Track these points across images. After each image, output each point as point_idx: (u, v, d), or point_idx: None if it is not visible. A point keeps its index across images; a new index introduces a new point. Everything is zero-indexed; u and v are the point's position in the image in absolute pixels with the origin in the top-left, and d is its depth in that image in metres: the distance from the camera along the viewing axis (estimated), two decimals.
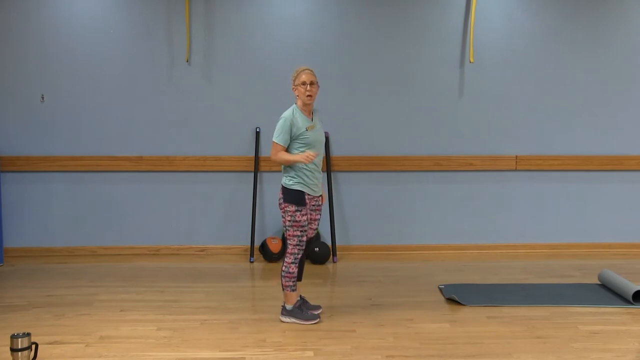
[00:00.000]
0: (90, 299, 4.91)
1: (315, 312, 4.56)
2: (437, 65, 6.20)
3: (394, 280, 5.48)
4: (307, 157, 4.21)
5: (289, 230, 4.39)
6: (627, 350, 4.06)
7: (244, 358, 3.91)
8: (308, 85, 4.30)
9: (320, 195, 4.52)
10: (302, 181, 4.34)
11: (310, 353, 3.98)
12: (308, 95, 4.30)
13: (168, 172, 6.15)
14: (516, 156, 6.32)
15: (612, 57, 6.29)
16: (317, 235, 6.16)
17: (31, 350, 3.55)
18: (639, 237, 6.50)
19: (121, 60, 6.02)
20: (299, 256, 4.43)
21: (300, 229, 4.37)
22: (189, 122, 6.11)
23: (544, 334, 4.29)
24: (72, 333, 4.25)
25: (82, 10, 5.96)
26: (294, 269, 4.43)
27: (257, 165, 6.13)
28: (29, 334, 3.55)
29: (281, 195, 4.39)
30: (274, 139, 4.32)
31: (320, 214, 4.57)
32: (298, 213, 4.34)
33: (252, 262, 6.03)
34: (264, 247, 6.05)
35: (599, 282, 5.36)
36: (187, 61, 6.04)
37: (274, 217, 6.23)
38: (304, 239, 4.42)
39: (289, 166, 4.36)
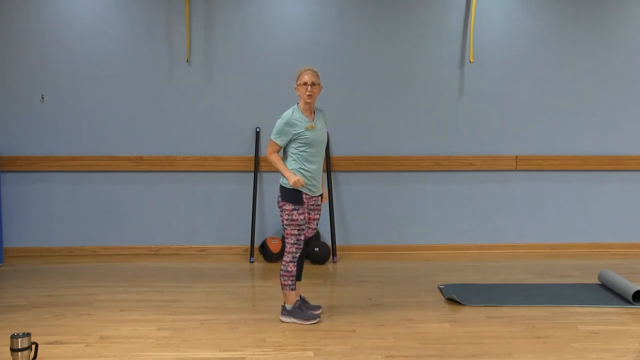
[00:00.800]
0: (90, 299, 4.91)
1: (315, 312, 4.57)
2: (437, 65, 6.20)
3: (394, 280, 5.48)
4: (296, 182, 4.27)
5: (286, 229, 4.41)
6: (627, 350, 4.06)
7: (244, 358, 3.91)
8: (309, 86, 4.33)
9: (320, 195, 4.52)
10: None
11: (310, 353, 3.98)
12: (308, 95, 4.33)
13: (168, 172, 6.15)
14: (516, 156, 6.32)
15: (612, 57, 6.29)
16: (317, 235, 6.16)
17: (31, 350, 3.55)
18: (639, 237, 6.50)
19: (121, 60, 6.02)
20: (297, 255, 4.44)
21: (298, 228, 4.38)
22: (189, 122, 6.11)
23: (544, 334, 4.29)
24: (72, 333, 4.25)
25: (82, 10, 5.96)
26: (292, 267, 4.43)
27: (257, 165, 6.13)
28: (29, 334, 3.55)
29: (279, 194, 4.41)
30: (271, 137, 4.39)
31: (320, 214, 4.58)
32: (295, 212, 4.35)
33: (252, 262, 6.03)
34: (264, 247, 6.05)
35: (599, 282, 5.36)
36: (187, 61, 6.04)
37: (274, 217, 6.23)
38: (302, 237, 4.43)
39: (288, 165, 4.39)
